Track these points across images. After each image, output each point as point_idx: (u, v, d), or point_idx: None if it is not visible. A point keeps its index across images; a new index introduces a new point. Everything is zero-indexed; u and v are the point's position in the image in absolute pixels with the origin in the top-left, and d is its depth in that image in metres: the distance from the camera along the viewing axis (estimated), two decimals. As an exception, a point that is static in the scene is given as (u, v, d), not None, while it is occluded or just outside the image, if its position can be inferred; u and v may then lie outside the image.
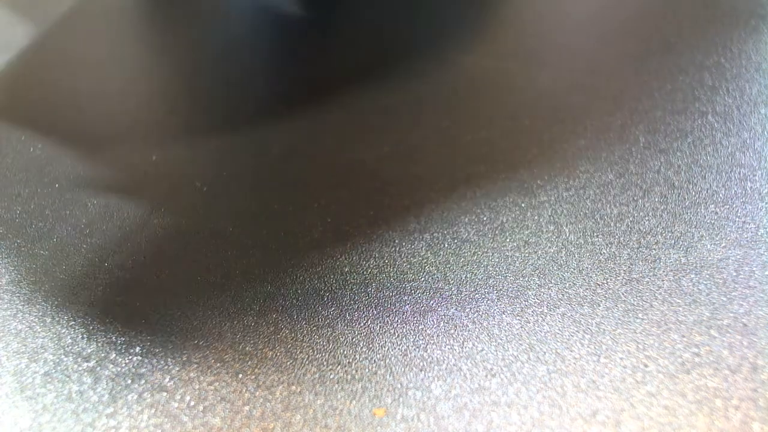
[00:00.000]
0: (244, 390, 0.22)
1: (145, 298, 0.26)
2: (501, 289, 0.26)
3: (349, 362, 0.23)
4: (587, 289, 0.26)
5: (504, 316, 0.25)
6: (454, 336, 0.24)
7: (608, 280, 0.26)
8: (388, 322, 0.25)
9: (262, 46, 0.43)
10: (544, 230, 0.29)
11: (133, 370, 0.23)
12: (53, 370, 0.23)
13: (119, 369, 0.23)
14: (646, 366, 0.23)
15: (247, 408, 0.22)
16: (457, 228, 0.29)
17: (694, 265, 0.26)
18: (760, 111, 0.35)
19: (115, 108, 0.38)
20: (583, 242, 0.28)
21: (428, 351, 0.24)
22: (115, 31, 0.47)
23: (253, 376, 0.23)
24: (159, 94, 0.39)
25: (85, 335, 0.25)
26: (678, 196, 0.30)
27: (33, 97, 0.40)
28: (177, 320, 0.25)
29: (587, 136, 0.34)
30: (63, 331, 0.25)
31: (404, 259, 0.28)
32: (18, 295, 0.26)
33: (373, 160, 0.33)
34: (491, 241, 0.28)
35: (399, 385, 0.22)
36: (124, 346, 0.24)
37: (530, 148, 0.34)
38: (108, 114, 0.38)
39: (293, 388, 0.23)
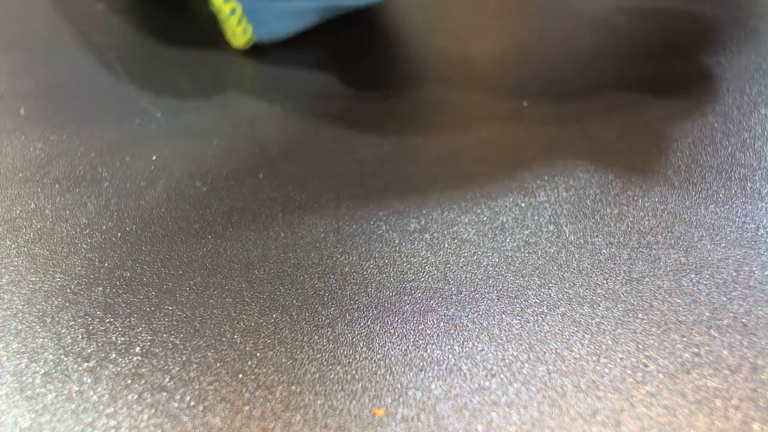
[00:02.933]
0: (244, 390, 0.22)
1: (145, 298, 0.26)
2: (501, 289, 0.26)
3: (349, 362, 0.23)
4: (587, 289, 0.26)
5: (504, 316, 0.25)
6: (454, 336, 0.24)
7: (608, 280, 0.26)
8: (388, 322, 0.25)
9: (263, 47, 0.43)
10: (544, 230, 0.29)
11: (133, 370, 0.23)
12: (53, 370, 0.23)
13: (119, 369, 0.23)
14: (646, 366, 0.23)
15: (247, 408, 0.22)
16: (457, 228, 0.29)
17: (694, 265, 0.26)
18: (760, 111, 0.35)
19: (114, 108, 0.38)
20: (583, 242, 0.28)
21: (428, 351, 0.24)
22: (113, 29, 0.47)
23: (253, 376, 0.23)
24: (158, 94, 0.39)
25: (85, 335, 0.25)
26: (678, 196, 0.30)
27: (26, 93, 0.40)
28: (177, 320, 0.25)
29: (587, 136, 0.34)
30: (63, 331, 0.25)
31: (404, 259, 0.28)
32: (18, 295, 0.26)
33: (373, 160, 0.33)
34: (491, 241, 0.28)
35: (399, 385, 0.22)
36: (124, 346, 0.24)
37: (530, 148, 0.34)
38: (108, 114, 0.38)
39: (293, 388, 0.23)
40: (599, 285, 0.26)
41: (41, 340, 0.24)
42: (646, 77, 0.39)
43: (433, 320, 0.25)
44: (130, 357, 0.24)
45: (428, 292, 0.26)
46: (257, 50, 0.43)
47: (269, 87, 0.40)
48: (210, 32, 0.45)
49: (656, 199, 0.30)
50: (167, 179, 0.33)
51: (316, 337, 0.24)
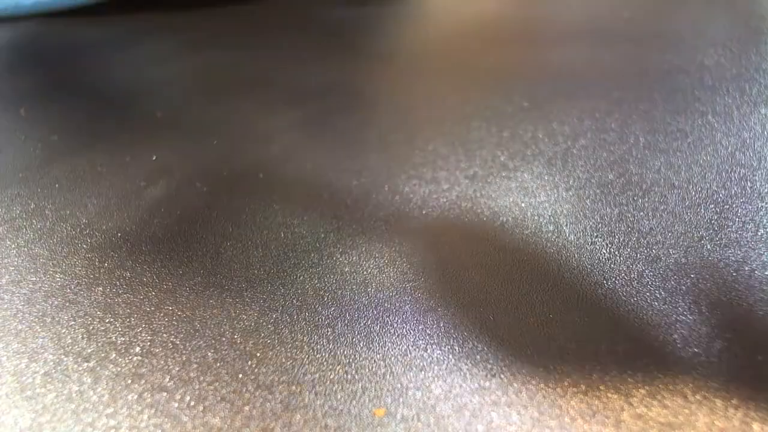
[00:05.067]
0: (244, 390, 0.22)
1: (145, 298, 0.26)
2: (501, 289, 0.26)
3: (349, 362, 0.23)
4: (586, 289, 0.26)
5: (504, 316, 0.25)
6: (454, 336, 0.24)
7: (608, 280, 0.26)
8: (388, 322, 0.25)
9: (265, 49, 0.43)
10: (544, 230, 0.29)
11: (133, 370, 0.23)
12: (53, 370, 0.23)
13: (119, 369, 0.23)
14: (646, 366, 0.23)
15: (247, 408, 0.22)
16: (458, 227, 0.29)
17: (694, 265, 0.26)
18: (760, 111, 0.35)
19: (115, 108, 0.38)
20: (583, 242, 0.28)
21: (428, 351, 0.24)
22: (114, 29, 0.47)
23: (253, 376, 0.23)
24: (158, 94, 0.39)
25: (85, 335, 0.25)
26: (678, 196, 0.30)
27: (26, 92, 0.40)
28: (177, 320, 0.25)
29: (587, 136, 0.34)
30: (63, 331, 0.25)
31: (404, 259, 0.28)
32: (18, 295, 0.26)
33: (375, 161, 0.33)
34: (491, 241, 0.28)
35: (399, 385, 0.22)
36: (124, 346, 0.24)
37: (530, 148, 0.34)
38: (108, 114, 0.38)
39: (293, 388, 0.23)
40: (599, 285, 0.26)
41: (41, 340, 0.24)
42: (645, 77, 0.39)
43: (433, 320, 0.25)
44: (130, 357, 0.24)
45: (428, 292, 0.26)
46: (284, 46, 0.43)
47: (269, 87, 0.40)
48: (210, 31, 0.45)
49: (656, 199, 0.30)
50: (167, 179, 0.33)
51: (316, 337, 0.24)
